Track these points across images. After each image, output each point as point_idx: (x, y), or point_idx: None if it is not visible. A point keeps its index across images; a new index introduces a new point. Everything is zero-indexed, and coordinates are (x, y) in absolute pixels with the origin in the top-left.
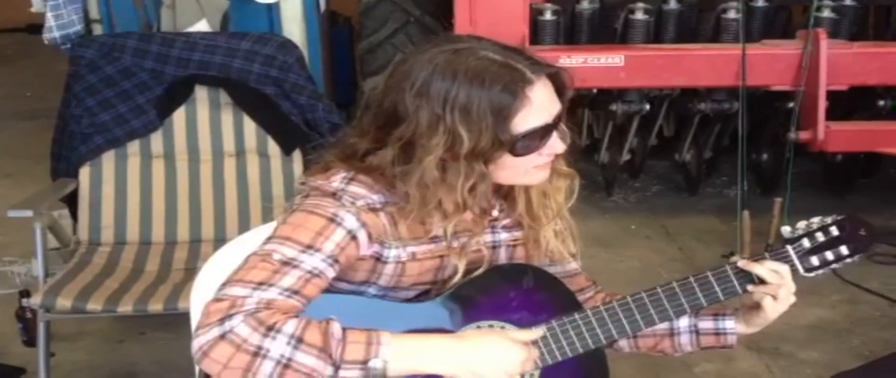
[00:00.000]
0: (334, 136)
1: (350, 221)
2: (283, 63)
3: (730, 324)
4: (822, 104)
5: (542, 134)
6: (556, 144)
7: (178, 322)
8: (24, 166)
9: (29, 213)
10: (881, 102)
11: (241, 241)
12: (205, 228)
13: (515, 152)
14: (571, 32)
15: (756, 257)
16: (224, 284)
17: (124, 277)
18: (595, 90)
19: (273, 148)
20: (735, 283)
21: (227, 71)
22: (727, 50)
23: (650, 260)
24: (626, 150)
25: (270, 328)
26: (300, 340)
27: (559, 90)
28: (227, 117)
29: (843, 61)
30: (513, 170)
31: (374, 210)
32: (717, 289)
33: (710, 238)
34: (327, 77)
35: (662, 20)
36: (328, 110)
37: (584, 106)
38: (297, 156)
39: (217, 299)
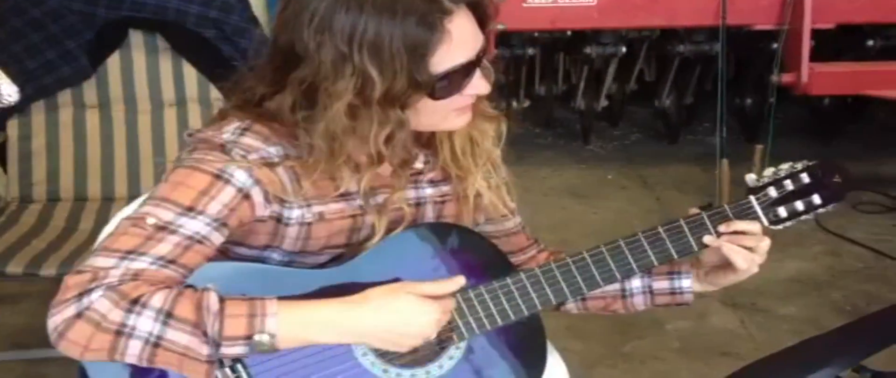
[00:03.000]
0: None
1: (241, 178)
2: (223, 4)
3: (686, 283)
4: (807, 44)
5: (464, 73)
6: (480, 84)
7: None
8: None
9: None
10: (870, 42)
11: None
12: (144, 183)
13: (435, 95)
14: None
15: (716, 211)
16: (90, 253)
17: (53, 237)
18: (569, 32)
19: (216, 96)
20: (690, 239)
21: (163, 12)
22: None
23: (625, 211)
24: (603, 96)
25: (135, 302)
26: (169, 315)
27: (481, 21)
28: (165, 64)
29: None
30: (431, 115)
31: (270, 164)
32: (670, 246)
33: (689, 188)
34: None
35: None
36: None
37: (559, 50)
38: None
39: (78, 272)
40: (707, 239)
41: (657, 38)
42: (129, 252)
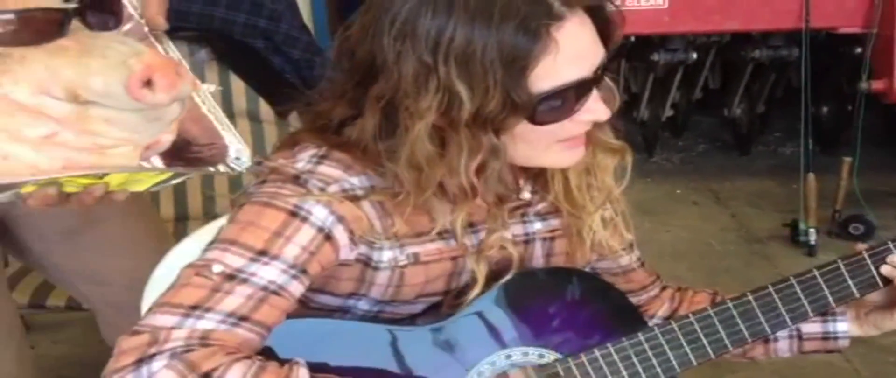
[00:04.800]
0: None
1: (320, 215)
2: (272, 11)
3: (842, 327)
4: None
5: (576, 93)
6: (598, 109)
7: None
8: None
9: None
10: None
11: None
12: (192, 205)
13: (536, 119)
14: None
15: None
16: (148, 311)
17: None
18: (632, 38)
19: (266, 111)
20: (850, 284)
21: (209, 22)
22: None
23: (700, 229)
24: (668, 106)
25: (206, 376)
26: None
27: (602, 31)
28: (210, 76)
29: None
30: (533, 144)
31: (353, 198)
32: (827, 292)
33: (766, 203)
34: (335, 27)
35: None
36: (327, 66)
37: (620, 56)
38: (294, 119)
39: (134, 331)
40: (885, 269)
41: (727, 42)
42: (193, 308)
